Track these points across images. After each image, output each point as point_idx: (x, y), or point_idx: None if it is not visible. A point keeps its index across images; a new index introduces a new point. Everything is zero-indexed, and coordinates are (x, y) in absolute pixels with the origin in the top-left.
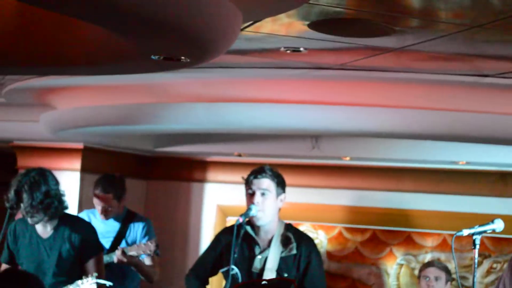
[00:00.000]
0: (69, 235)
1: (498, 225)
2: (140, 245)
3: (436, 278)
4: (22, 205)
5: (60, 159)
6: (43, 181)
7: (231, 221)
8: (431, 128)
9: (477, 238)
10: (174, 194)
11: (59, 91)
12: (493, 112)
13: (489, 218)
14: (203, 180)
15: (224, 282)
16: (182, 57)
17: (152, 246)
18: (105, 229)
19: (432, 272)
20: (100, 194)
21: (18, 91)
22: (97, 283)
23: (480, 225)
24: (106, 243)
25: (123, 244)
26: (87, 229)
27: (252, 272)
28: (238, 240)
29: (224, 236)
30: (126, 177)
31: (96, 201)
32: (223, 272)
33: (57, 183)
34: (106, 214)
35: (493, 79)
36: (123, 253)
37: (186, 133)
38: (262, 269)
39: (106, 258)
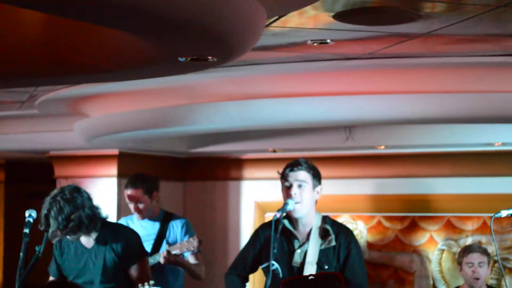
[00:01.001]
0: (111, 243)
1: None
2: (182, 242)
3: (480, 264)
4: (50, 230)
5: (96, 166)
6: (67, 203)
7: (269, 217)
8: (463, 111)
9: None
10: (212, 194)
11: (91, 99)
12: None
13: None
14: (239, 178)
15: (265, 279)
16: (209, 57)
17: (194, 242)
18: (145, 232)
19: (476, 258)
20: (130, 190)
21: (50, 101)
22: None
23: None
24: (147, 246)
25: (164, 245)
26: (128, 235)
27: (293, 267)
28: (277, 235)
29: (263, 232)
30: (163, 180)
31: (128, 200)
32: (263, 268)
33: (88, 199)
34: (140, 212)
35: None
36: (168, 253)
37: (219, 132)
38: (303, 263)
39: (150, 261)
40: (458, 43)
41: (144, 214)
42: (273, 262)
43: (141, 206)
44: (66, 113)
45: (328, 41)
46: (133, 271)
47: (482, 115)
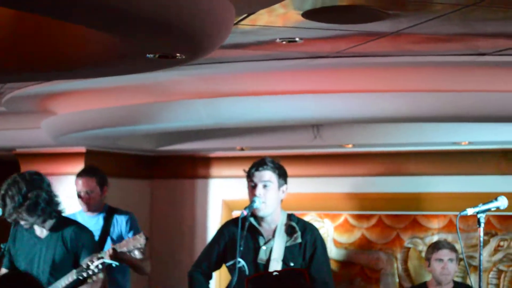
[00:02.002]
0: (63, 236)
1: (502, 202)
2: (129, 240)
3: (450, 260)
4: (6, 209)
5: (63, 164)
6: (26, 183)
7: (236, 215)
8: (431, 110)
9: (482, 217)
10: (179, 192)
11: (59, 96)
12: (492, 90)
13: (494, 197)
14: (207, 176)
15: (230, 276)
16: (178, 54)
17: (141, 239)
18: (89, 228)
19: (445, 254)
20: (84, 178)
21: (17, 99)
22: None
23: (484, 203)
24: None
25: (108, 240)
26: (81, 229)
27: (258, 264)
28: (243, 232)
29: (227, 229)
30: (130, 178)
31: (80, 189)
32: (228, 266)
33: (48, 185)
34: (88, 203)
35: (490, 57)
36: (114, 250)
37: (187, 131)
38: (268, 260)
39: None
40: (426, 42)
41: (91, 207)
42: (240, 259)
43: (92, 196)
44: (33, 110)
45: (297, 39)
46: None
47: (449, 114)
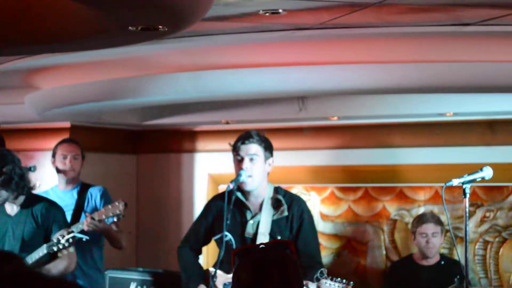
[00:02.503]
0: (33, 212)
1: (487, 172)
2: (107, 207)
3: (434, 234)
4: None
5: (48, 139)
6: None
7: (223, 189)
8: (416, 81)
9: (467, 187)
10: (165, 167)
11: (42, 71)
12: (477, 61)
13: (480, 167)
14: (192, 150)
15: (218, 250)
16: (160, 26)
17: (120, 205)
18: (63, 203)
19: (430, 228)
20: (68, 144)
21: (0, 74)
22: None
23: (469, 174)
24: (67, 216)
25: (83, 215)
26: (51, 206)
27: (246, 238)
28: (230, 206)
29: (215, 203)
30: (115, 153)
31: (64, 153)
32: (216, 240)
33: (19, 161)
34: (73, 169)
35: (474, 27)
36: (92, 219)
37: (172, 104)
38: (255, 234)
39: (75, 228)
40: (410, 13)
41: (74, 173)
42: (226, 233)
43: (76, 162)
44: (17, 85)
45: (280, 11)
46: None
47: (434, 85)
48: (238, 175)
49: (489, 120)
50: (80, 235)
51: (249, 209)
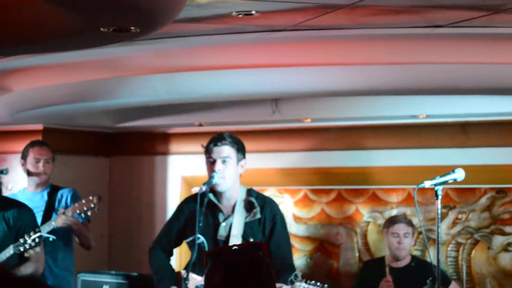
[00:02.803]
0: (5, 215)
1: (459, 174)
2: (80, 202)
3: (405, 235)
4: None
5: (20, 142)
6: None
7: (196, 191)
8: (388, 83)
9: (439, 189)
10: (138, 169)
11: (14, 73)
12: (449, 62)
13: (452, 169)
14: (166, 153)
15: (191, 253)
16: (132, 28)
17: (95, 199)
18: (33, 205)
19: (401, 229)
20: (41, 147)
21: None
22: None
23: (441, 176)
24: (37, 218)
25: (53, 216)
26: (23, 210)
27: (218, 240)
28: (202, 208)
29: (187, 205)
30: (88, 155)
31: (37, 156)
32: (188, 242)
33: None
34: (46, 173)
35: (446, 29)
36: (64, 214)
37: (145, 106)
38: (228, 236)
39: (45, 228)
40: (382, 14)
41: (46, 177)
42: (199, 235)
43: (48, 166)
44: None
45: (253, 12)
46: None
47: (406, 87)
48: (210, 177)
49: (461, 122)
50: (46, 235)
51: (221, 211)
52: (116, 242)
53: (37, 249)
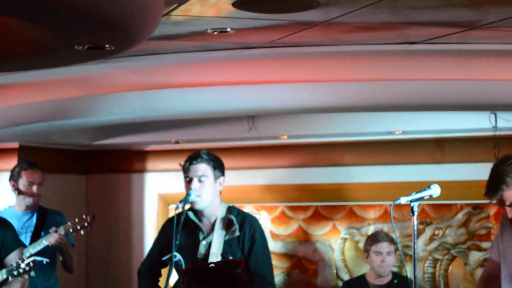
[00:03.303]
0: None
1: (435, 190)
2: (73, 221)
3: (389, 253)
4: None
5: None
6: None
7: (173, 209)
8: (364, 99)
9: (415, 205)
10: (115, 187)
11: None
12: (425, 79)
13: (428, 185)
14: (142, 170)
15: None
16: (106, 45)
17: (88, 217)
18: (22, 225)
19: (385, 247)
20: (34, 170)
21: None
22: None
23: (417, 192)
24: (25, 238)
25: (42, 236)
26: (4, 226)
27: (198, 258)
28: (179, 227)
29: (168, 227)
30: (65, 174)
31: (31, 180)
32: (164, 260)
33: None
34: (38, 196)
35: (421, 45)
36: (56, 233)
37: (122, 124)
38: (207, 255)
39: (35, 247)
40: (357, 31)
41: (38, 200)
42: (176, 253)
43: (40, 189)
44: None
45: (228, 29)
46: (10, 260)
47: (382, 103)
48: (187, 194)
49: (437, 138)
50: (40, 258)
51: (201, 229)
52: (93, 259)
53: (32, 273)
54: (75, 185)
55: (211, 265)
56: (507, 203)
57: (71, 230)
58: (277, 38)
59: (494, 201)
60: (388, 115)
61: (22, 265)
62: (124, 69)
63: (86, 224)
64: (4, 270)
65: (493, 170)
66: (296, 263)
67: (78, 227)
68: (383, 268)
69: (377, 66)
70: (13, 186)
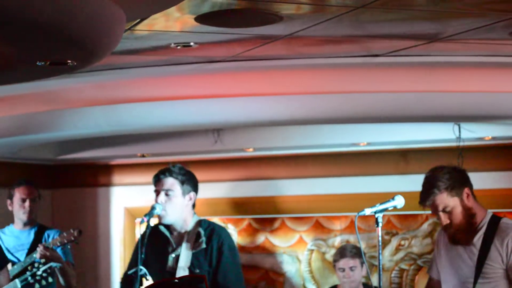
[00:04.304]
0: None
1: (399, 201)
2: (62, 234)
3: (352, 268)
4: None
5: None
6: None
7: (139, 223)
8: (328, 111)
9: (379, 216)
10: (81, 201)
11: None
12: (388, 91)
13: (393, 196)
14: (108, 184)
15: None
16: (69, 61)
17: (75, 232)
18: (18, 242)
19: (345, 263)
20: (27, 187)
21: None
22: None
23: (381, 203)
24: (22, 255)
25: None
26: None
27: (166, 272)
28: (144, 240)
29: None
30: None
31: (23, 196)
32: (131, 274)
33: None
34: (32, 211)
35: (383, 58)
36: (45, 246)
37: (87, 138)
38: (175, 268)
39: (27, 260)
40: (320, 45)
41: (33, 216)
42: (141, 267)
43: (34, 205)
44: None
45: (192, 44)
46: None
47: (346, 116)
48: (152, 208)
49: (402, 149)
50: (56, 264)
51: (170, 243)
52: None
53: (50, 279)
54: (41, 199)
55: (175, 280)
56: (440, 208)
57: (58, 243)
58: (241, 52)
59: (430, 212)
60: (353, 127)
61: (39, 272)
62: (89, 84)
63: (73, 238)
64: (17, 280)
65: (425, 178)
66: (263, 274)
67: (65, 241)
68: (348, 284)
69: (341, 79)
70: (10, 205)
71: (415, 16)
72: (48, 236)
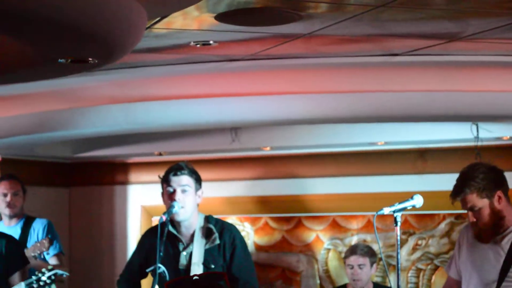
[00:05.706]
0: None
1: (418, 200)
2: (35, 244)
3: (360, 266)
4: None
5: None
6: None
7: (156, 221)
8: (347, 111)
9: (398, 216)
10: (98, 199)
11: None
12: (406, 90)
13: (411, 196)
14: (125, 182)
15: None
16: (90, 59)
17: (46, 243)
18: None
19: (354, 260)
20: (9, 181)
21: None
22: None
23: (400, 202)
24: None
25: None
26: (10, 242)
27: (180, 269)
28: (163, 238)
29: (148, 238)
30: (48, 186)
31: (4, 191)
32: (150, 272)
33: None
34: (15, 205)
35: (402, 57)
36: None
37: (105, 136)
38: (189, 265)
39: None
40: (339, 44)
41: (16, 210)
42: (160, 265)
43: (17, 198)
44: None
45: (211, 42)
46: (15, 280)
47: (364, 115)
48: (170, 206)
49: (420, 149)
50: (61, 272)
51: (181, 240)
52: (76, 272)
53: (53, 286)
54: (58, 197)
55: (195, 277)
56: (468, 206)
57: (31, 254)
58: (260, 51)
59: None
60: (371, 126)
61: (43, 278)
62: (107, 82)
63: (43, 249)
64: (23, 284)
65: (461, 173)
66: (280, 273)
67: (38, 251)
68: (355, 281)
69: (360, 78)
70: None
71: (434, 15)
72: (34, 229)
